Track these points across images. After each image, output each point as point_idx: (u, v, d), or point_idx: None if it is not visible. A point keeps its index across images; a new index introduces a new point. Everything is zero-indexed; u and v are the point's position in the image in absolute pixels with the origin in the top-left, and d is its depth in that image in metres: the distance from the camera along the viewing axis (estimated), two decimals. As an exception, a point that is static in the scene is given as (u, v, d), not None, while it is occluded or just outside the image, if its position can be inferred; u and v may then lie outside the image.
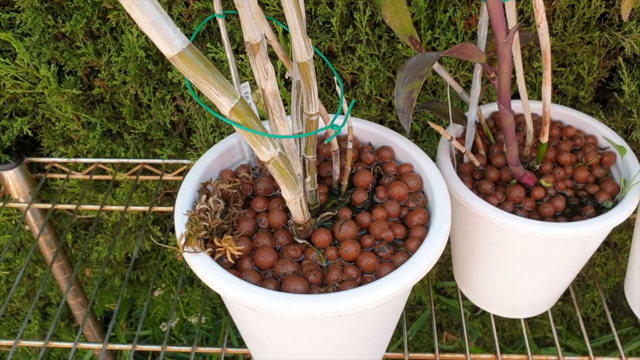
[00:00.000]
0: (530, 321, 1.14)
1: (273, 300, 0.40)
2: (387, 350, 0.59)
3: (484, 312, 1.13)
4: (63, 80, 0.73)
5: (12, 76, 0.71)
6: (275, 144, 0.38)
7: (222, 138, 0.78)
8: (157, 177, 0.81)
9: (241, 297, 0.41)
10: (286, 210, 0.49)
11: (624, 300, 1.10)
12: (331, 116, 0.55)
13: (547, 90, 0.50)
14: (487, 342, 1.19)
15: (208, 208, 0.45)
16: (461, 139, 0.59)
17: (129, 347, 0.64)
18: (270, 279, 0.44)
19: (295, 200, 0.42)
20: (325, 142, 0.46)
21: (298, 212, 0.44)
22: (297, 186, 0.41)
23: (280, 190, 0.51)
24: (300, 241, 0.47)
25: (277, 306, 0.40)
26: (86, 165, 0.82)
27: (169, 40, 0.31)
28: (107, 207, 0.79)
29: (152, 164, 0.82)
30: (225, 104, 0.35)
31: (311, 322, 0.43)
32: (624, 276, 0.68)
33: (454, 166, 0.55)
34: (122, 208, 0.78)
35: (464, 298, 0.68)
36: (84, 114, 0.75)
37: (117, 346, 0.65)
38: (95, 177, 0.82)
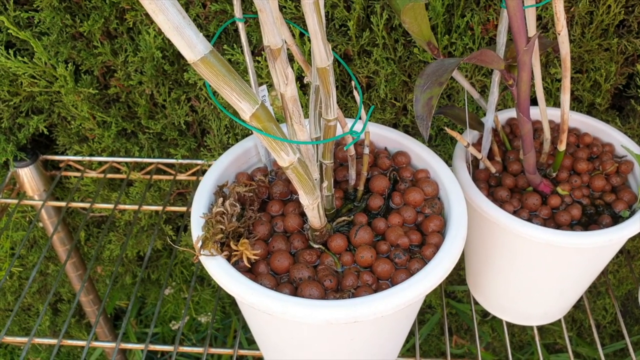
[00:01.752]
0: (540, 327, 1.13)
1: (289, 305, 0.40)
2: (398, 354, 0.59)
3: (494, 317, 1.13)
4: (79, 80, 0.73)
5: (29, 75, 0.71)
6: (295, 149, 0.38)
7: (236, 139, 0.78)
8: (171, 177, 0.81)
9: (257, 302, 0.41)
10: (302, 215, 0.49)
11: (636, 308, 1.09)
12: (348, 120, 0.55)
13: (566, 98, 0.50)
14: (496, 346, 1.18)
15: (224, 211, 0.46)
16: (477, 145, 0.58)
17: (141, 346, 0.64)
18: (286, 283, 0.44)
19: (313, 206, 0.42)
20: (345, 148, 0.45)
21: (315, 217, 0.44)
22: (315, 191, 0.41)
23: (296, 195, 0.51)
24: (316, 246, 0.47)
25: (293, 311, 0.40)
26: (100, 164, 0.83)
27: (191, 45, 0.31)
28: (121, 206, 0.79)
29: (166, 164, 0.82)
30: (246, 110, 0.35)
31: (326, 327, 0.43)
32: (638, 284, 0.67)
33: (469, 172, 0.55)
34: (135, 207, 0.78)
35: (475, 303, 0.67)
36: (100, 113, 0.76)
37: (129, 345, 0.66)
38: (109, 175, 0.82)
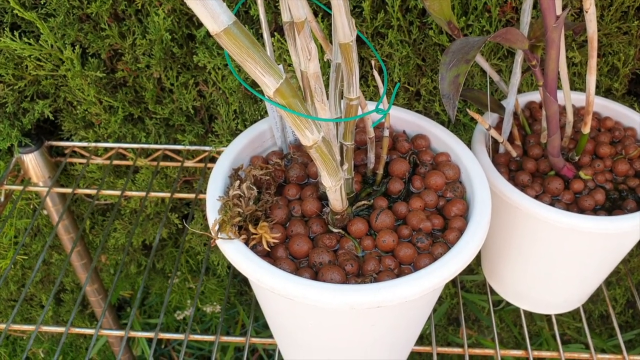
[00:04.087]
0: (548, 317, 1.12)
1: (311, 290, 0.39)
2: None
3: (502, 307, 1.12)
4: (86, 63, 0.71)
5: (35, 57, 0.69)
6: (319, 127, 0.37)
7: (245, 125, 0.76)
8: (178, 164, 0.80)
9: (277, 286, 0.40)
10: (320, 199, 0.47)
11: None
12: (368, 103, 0.53)
13: (591, 79, 0.48)
14: (505, 337, 1.17)
15: (242, 194, 0.44)
16: (497, 128, 0.57)
17: (150, 335, 0.63)
18: (306, 267, 0.43)
19: (336, 188, 0.41)
20: (372, 125, 0.44)
21: (337, 200, 0.42)
22: (338, 173, 0.40)
23: (313, 178, 0.50)
24: (336, 230, 0.45)
25: (315, 296, 0.39)
26: (106, 150, 0.81)
27: (214, 15, 0.30)
28: (128, 193, 0.77)
29: (173, 150, 0.81)
30: (270, 84, 0.33)
31: (347, 313, 0.42)
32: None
33: (489, 156, 0.54)
34: (142, 194, 0.77)
35: (487, 293, 0.66)
36: (106, 97, 0.74)
37: (138, 334, 0.64)
38: (115, 162, 0.80)
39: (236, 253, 0.41)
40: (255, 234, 0.42)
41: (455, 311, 1.15)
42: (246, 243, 0.43)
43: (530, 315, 1.12)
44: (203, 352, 1.29)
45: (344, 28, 0.37)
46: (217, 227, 0.42)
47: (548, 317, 1.11)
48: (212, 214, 0.44)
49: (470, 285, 1.11)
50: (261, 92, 0.37)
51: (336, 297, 0.39)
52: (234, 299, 1.20)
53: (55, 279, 1.04)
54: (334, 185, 0.41)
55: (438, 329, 1.18)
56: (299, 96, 0.35)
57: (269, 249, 0.43)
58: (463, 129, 0.76)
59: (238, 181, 0.45)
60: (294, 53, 0.42)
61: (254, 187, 0.45)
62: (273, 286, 0.40)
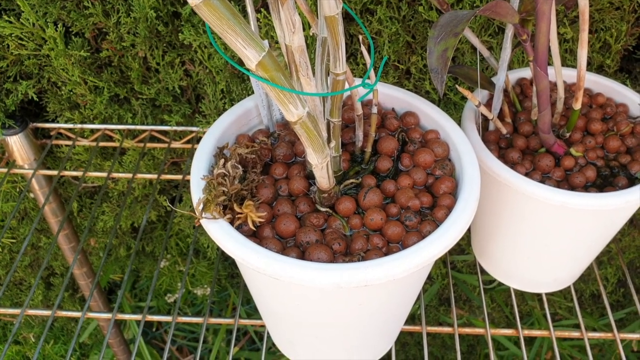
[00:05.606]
0: (539, 297, 1.12)
1: (297, 269, 0.38)
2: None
3: (493, 287, 1.12)
4: (70, 42, 0.70)
5: (16, 36, 0.68)
6: (304, 102, 0.36)
7: (232, 105, 0.75)
8: (165, 145, 0.78)
9: (263, 266, 0.39)
10: (307, 177, 0.46)
11: (636, 277, 1.08)
12: (355, 80, 0.52)
13: (583, 53, 0.47)
14: (496, 317, 1.18)
15: (226, 173, 0.43)
16: (487, 105, 0.56)
17: (138, 317, 0.62)
18: (292, 247, 0.42)
19: (322, 165, 0.40)
20: (358, 100, 0.43)
21: (324, 177, 0.42)
22: (324, 149, 0.39)
23: (300, 157, 0.49)
24: (323, 209, 0.45)
25: (301, 275, 0.38)
26: (93, 131, 0.80)
27: (193, -15, 0.29)
28: (115, 175, 0.76)
29: (160, 131, 0.79)
30: (252, 57, 0.32)
31: (334, 292, 0.41)
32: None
33: (479, 134, 0.53)
34: (129, 176, 0.76)
35: (479, 272, 0.66)
36: (91, 77, 0.73)
37: (126, 316, 0.64)
38: (102, 144, 0.79)
39: (221, 233, 0.40)
40: (241, 214, 0.42)
41: (447, 291, 1.15)
42: (231, 223, 0.42)
43: (521, 295, 1.12)
44: (195, 335, 1.29)
45: (330, 0, 0.36)
46: (201, 207, 0.41)
47: (539, 297, 1.11)
48: (197, 193, 0.43)
49: (462, 265, 1.10)
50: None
51: (322, 276, 0.38)
52: (225, 282, 1.20)
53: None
54: (320, 162, 0.40)
55: (430, 309, 1.18)
56: (282, 69, 0.34)
57: (254, 229, 0.42)
58: (454, 108, 0.75)
59: (223, 160, 0.44)
60: (279, 27, 0.41)
61: (239, 166, 0.44)
62: (258, 266, 0.39)
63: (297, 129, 0.37)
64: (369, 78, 0.44)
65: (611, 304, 1.12)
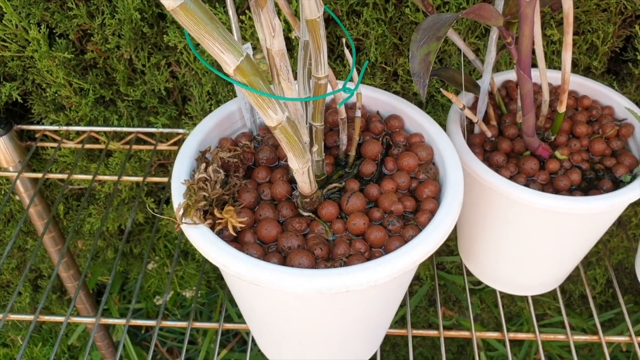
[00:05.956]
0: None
1: (277, 275, 0.38)
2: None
3: (482, 288, 1.12)
4: (54, 44, 0.69)
5: (-1, 38, 0.67)
6: (283, 107, 0.36)
7: (219, 106, 0.75)
8: (151, 147, 0.78)
9: (243, 272, 0.38)
10: (290, 182, 0.46)
11: (625, 278, 1.08)
12: (339, 83, 0.52)
13: (567, 55, 0.47)
14: (485, 318, 1.18)
15: (207, 177, 0.43)
16: (472, 108, 0.56)
17: (122, 321, 0.61)
18: (274, 252, 0.42)
19: (303, 170, 0.40)
20: (338, 105, 0.43)
21: (305, 182, 0.41)
22: (305, 154, 0.39)
23: (283, 161, 0.48)
24: (306, 214, 0.44)
25: (281, 281, 0.38)
26: (78, 133, 0.79)
27: (169, -11, 0.28)
28: (100, 177, 0.76)
29: (146, 133, 0.79)
30: (229, 62, 0.32)
31: (316, 298, 0.41)
32: (634, 253, 0.66)
33: (464, 137, 0.53)
34: (115, 178, 0.75)
35: (468, 274, 0.66)
36: (76, 79, 0.72)
37: (110, 320, 0.63)
38: (87, 146, 0.79)
39: (201, 238, 0.40)
40: (221, 219, 0.41)
41: (437, 292, 1.15)
42: (212, 228, 0.41)
43: (510, 295, 1.12)
44: (185, 337, 1.28)
45: (310, 3, 0.36)
46: (181, 212, 0.41)
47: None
48: (177, 198, 0.43)
49: (451, 266, 1.10)
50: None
51: (303, 282, 0.38)
52: (215, 283, 1.19)
53: (32, 265, 1.03)
54: (301, 167, 0.39)
55: (419, 310, 1.17)
56: (261, 74, 0.34)
57: (235, 234, 0.42)
58: (442, 109, 0.75)
59: (204, 164, 0.44)
60: (261, 30, 0.41)
61: (221, 170, 0.44)
62: (238, 272, 0.39)
63: (277, 134, 0.36)
64: (351, 80, 0.43)
65: (600, 305, 1.13)
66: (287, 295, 0.41)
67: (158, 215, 0.42)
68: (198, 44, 0.66)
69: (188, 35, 0.35)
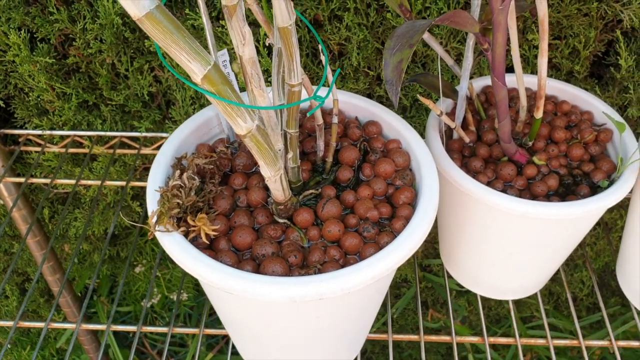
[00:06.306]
0: (516, 300, 1.12)
1: (250, 283, 0.38)
2: (371, 329, 0.57)
3: (469, 290, 1.12)
4: (35, 48, 0.69)
5: (-20, 43, 0.67)
6: (253, 116, 0.35)
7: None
8: (135, 151, 0.78)
9: (216, 280, 0.38)
10: (266, 188, 0.46)
11: (612, 280, 1.09)
12: (315, 88, 0.52)
13: (543, 62, 0.47)
14: (473, 320, 1.18)
15: (182, 184, 0.43)
16: (451, 114, 0.56)
17: (103, 327, 0.61)
18: (248, 260, 0.42)
19: (275, 178, 0.40)
20: (308, 114, 0.43)
21: (278, 190, 0.41)
22: (276, 162, 0.39)
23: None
24: (281, 221, 0.44)
25: (253, 289, 0.38)
26: (62, 137, 0.79)
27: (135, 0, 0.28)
28: (84, 182, 0.75)
29: (130, 137, 0.79)
30: (197, 71, 0.32)
31: (290, 305, 0.41)
32: (616, 256, 0.66)
33: (443, 143, 0.53)
34: (98, 182, 0.75)
35: (449, 276, 0.66)
36: (59, 84, 0.72)
37: (90, 326, 0.63)
38: (71, 150, 0.78)
39: (173, 246, 0.40)
40: (195, 227, 0.41)
41: (424, 294, 1.15)
42: (186, 235, 0.41)
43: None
44: (175, 339, 1.28)
45: (282, 11, 0.36)
46: (154, 219, 0.41)
47: (516, 300, 1.11)
48: (152, 205, 0.43)
49: (438, 268, 1.10)
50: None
51: (275, 290, 0.38)
52: (202, 287, 1.19)
53: (19, 269, 1.02)
54: (273, 175, 0.39)
55: (408, 313, 1.17)
56: (229, 83, 0.34)
57: (208, 242, 0.42)
58: (425, 114, 0.75)
59: (179, 171, 0.44)
60: (233, 36, 0.41)
61: (197, 177, 0.44)
62: (211, 280, 0.38)
63: (247, 142, 0.36)
64: (326, 83, 0.43)
65: (588, 307, 1.13)
66: (261, 303, 0.41)
67: (138, 225, 0.42)
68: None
69: (158, 47, 0.35)
